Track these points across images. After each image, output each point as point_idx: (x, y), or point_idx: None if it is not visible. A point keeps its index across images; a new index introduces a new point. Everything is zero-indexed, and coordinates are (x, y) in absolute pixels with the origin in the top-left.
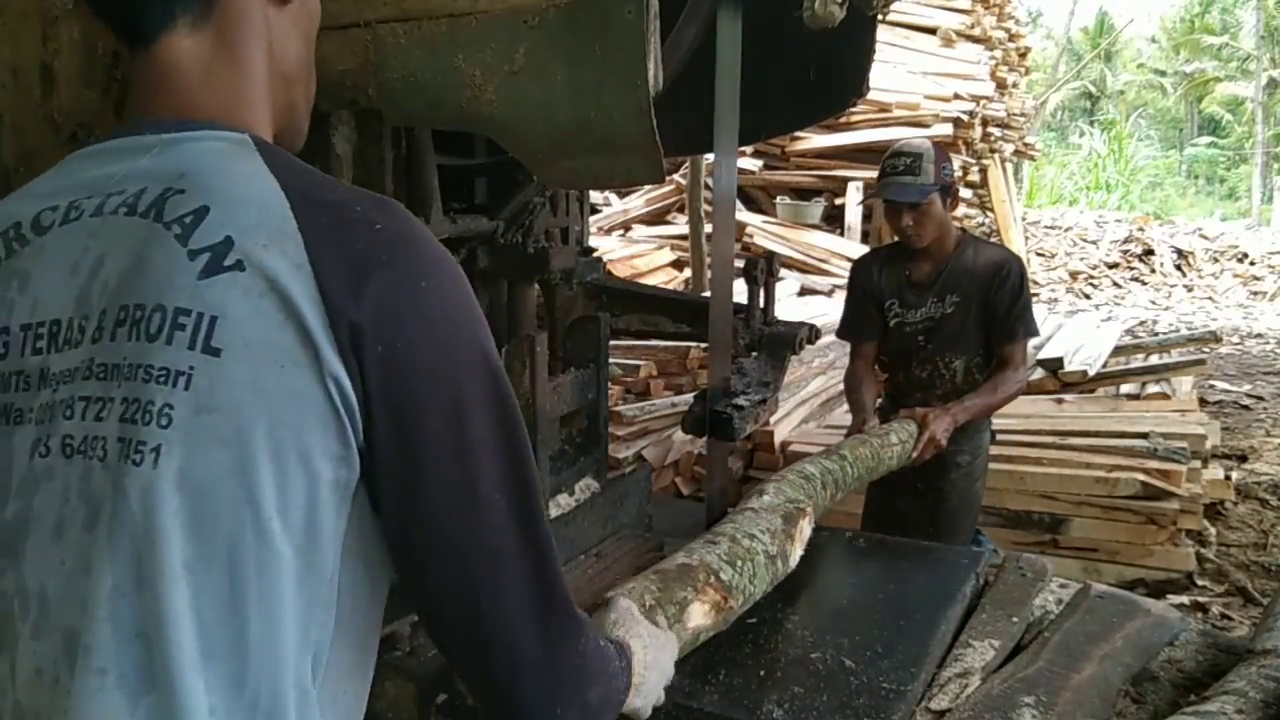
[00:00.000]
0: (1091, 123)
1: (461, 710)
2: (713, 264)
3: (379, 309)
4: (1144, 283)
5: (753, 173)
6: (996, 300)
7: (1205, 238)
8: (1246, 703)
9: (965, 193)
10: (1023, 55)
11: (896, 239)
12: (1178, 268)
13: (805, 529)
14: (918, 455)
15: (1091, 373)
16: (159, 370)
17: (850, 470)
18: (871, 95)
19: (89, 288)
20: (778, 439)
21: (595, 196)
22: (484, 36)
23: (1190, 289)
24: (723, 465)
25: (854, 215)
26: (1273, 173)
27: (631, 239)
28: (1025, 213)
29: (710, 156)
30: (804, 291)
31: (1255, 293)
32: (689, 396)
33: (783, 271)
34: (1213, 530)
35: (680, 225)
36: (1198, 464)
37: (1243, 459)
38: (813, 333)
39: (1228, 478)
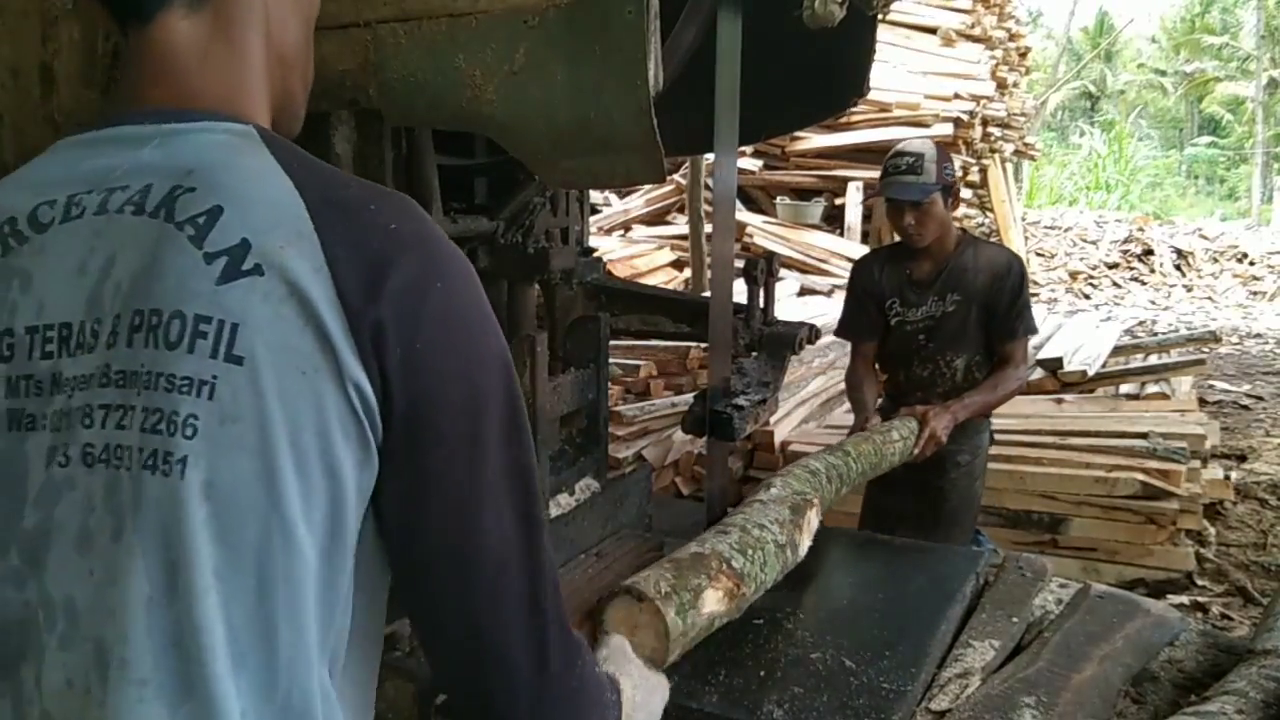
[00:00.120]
0: (1091, 123)
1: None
2: (713, 264)
3: (397, 311)
4: (1144, 283)
5: (753, 173)
6: (997, 299)
7: (1205, 238)
8: (1247, 703)
9: (965, 193)
10: (1023, 55)
11: (897, 239)
12: (1177, 268)
13: (813, 520)
14: (919, 452)
15: (1091, 373)
16: (182, 380)
17: (854, 466)
18: (871, 95)
19: (99, 290)
20: (778, 439)
21: (595, 196)
22: (484, 36)
23: (1190, 289)
24: (723, 465)
25: (854, 215)
26: (1273, 173)
27: (631, 239)
28: (1025, 213)
29: (710, 156)
30: (804, 291)
31: (1255, 293)
32: (689, 396)
33: (783, 271)
34: (1212, 530)
35: (680, 225)
36: (1197, 464)
37: (1242, 459)
38: (813, 333)
39: (1227, 478)
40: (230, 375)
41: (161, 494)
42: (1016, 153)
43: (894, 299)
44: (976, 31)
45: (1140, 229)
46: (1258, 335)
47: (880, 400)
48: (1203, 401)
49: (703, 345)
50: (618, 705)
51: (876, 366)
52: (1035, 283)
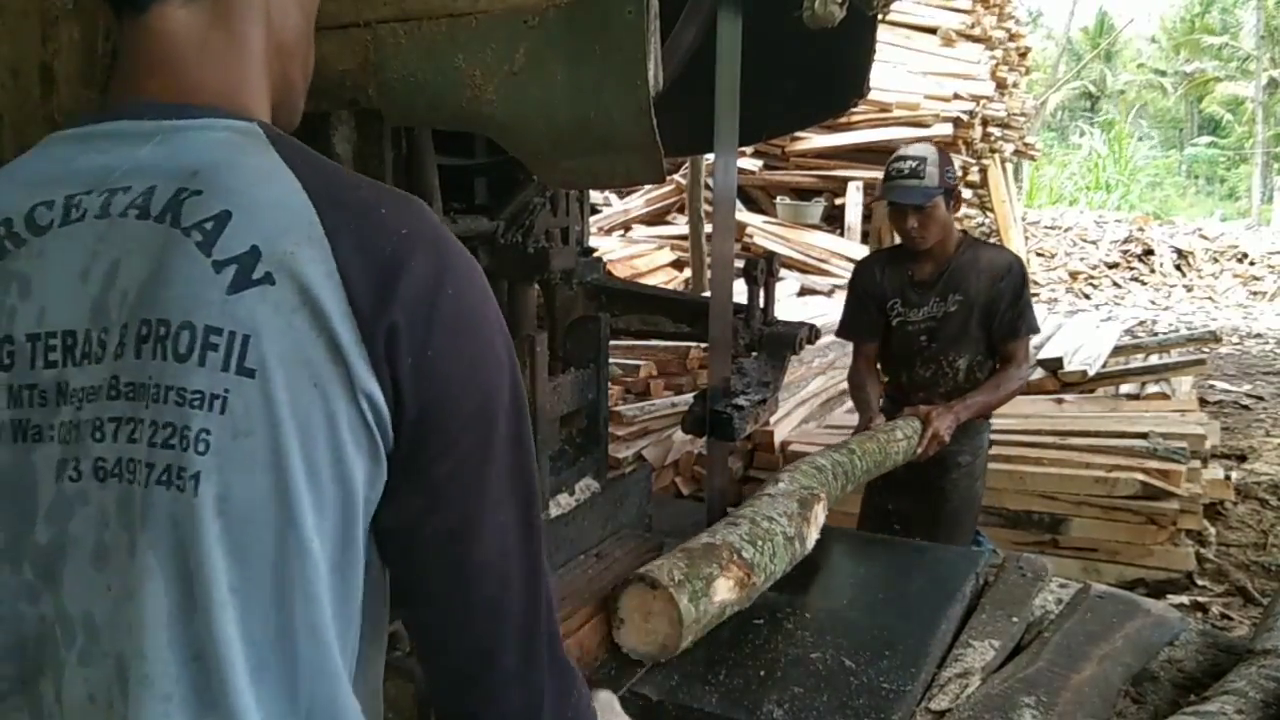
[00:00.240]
0: (1091, 123)
1: None
2: (713, 264)
3: (408, 318)
4: (1144, 283)
5: (753, 173)
6: (998, 300)
7: (1205, 238)
8: (1246, 703)
9: (965, 193)
10: (1023, 55)
11: (898, 240)
12: (1177, 268)
13: (819, 514)
14: (922, 451)
15: (1091, 373)
16: (193, 394)
17: (859, 464)
18: (871, 95)
19: (105, 298)
20: (778, 439)
21: (595, 196)
22: (484, 36)
23: (1190, 289)
24: (723, 465)
25: (854, 215)
26: (1273, 173)
27: (631, 239)
28: (1025, 213)
29: (710, 156)
30: (804, 291)
31: (1255, 293)
32: (689, 396)
33: (783, 271)
34: (1212, 530)
35: (680, 225)
36: (1197, 464)
37: (1242, 459)
38: (813, 333)
39: (1227, 478)
40: (242, 388)
41: (176, 509)
42: (1016, 153)
43: (895, 300)
44: (976, 31)
45: (1140, 229)
46: (1258, 335)
47: (881, 401)
48: (1203, 401)
49: (703, 345)
50: None
51: (878, 367)
52: (1035, 283)
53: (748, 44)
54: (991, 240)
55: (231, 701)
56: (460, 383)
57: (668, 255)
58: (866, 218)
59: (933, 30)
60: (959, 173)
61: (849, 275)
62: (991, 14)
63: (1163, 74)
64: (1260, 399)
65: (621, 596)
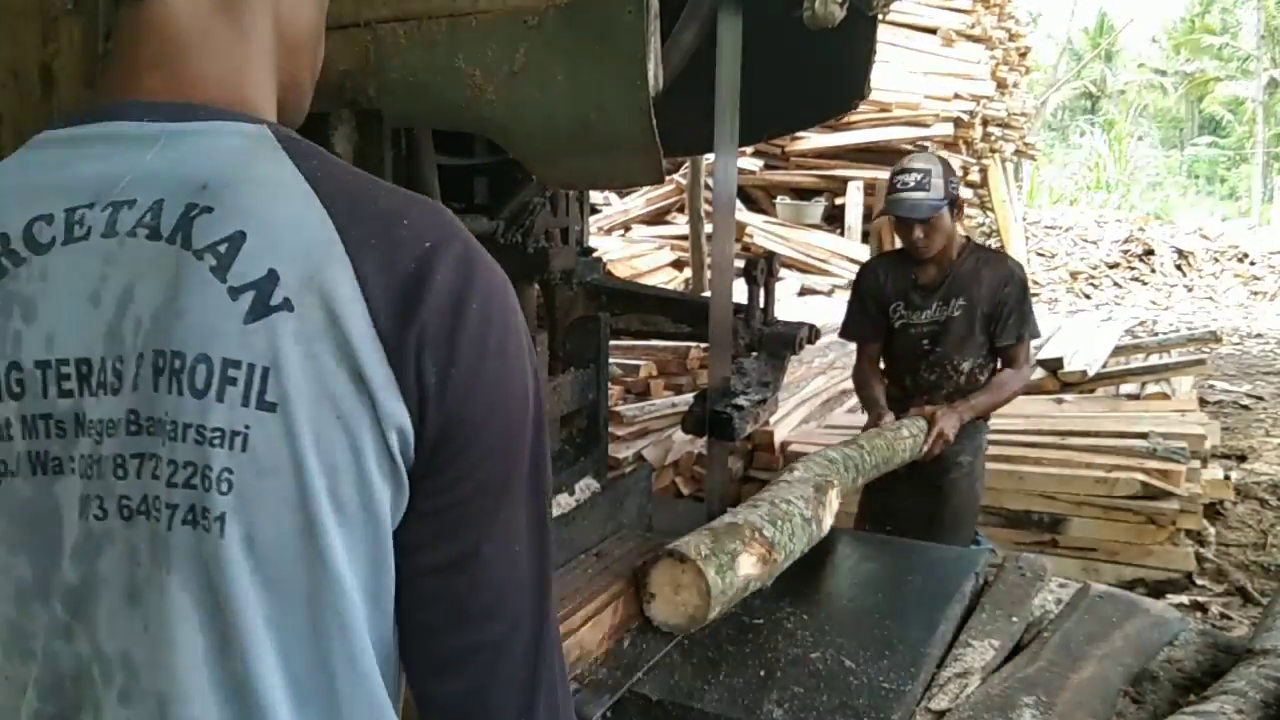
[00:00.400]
0: (1092, 123)
1: None
2: (713, 264)
3: (432, 335)
4: (1144, 283)
5: (753, 173)
6: (1000, 305)
7: (1206, 238)
8: (1246, 702)
9: (965, 192)
10: (1023, 55)
11: (900, 244)
12: (1178, 268)
13: (834, 500)
14: (928, 449)
15: (1091, 373)
16: (213, 431)
17: (868, 459)
18: (872, 95)
19: (119, 325)
20: (778, 439)
21: (595, 196)
22: (484, 36)
23: (1190, 289)
24: (723, 465)
25: (854, 215)
26: (1273, 173)
27: (631, 239)
28: (1025, 213)
29: (710, 156)
30: (804, 291)
31: (1255, 293)
32: (689, 396)
33: (783, 271)
34: (1212, 530)
35: (680, 225)
36: (1197, 464)
37: (1242, 459)
38: (813, 333)
39: (1227, 478)
40: (263, 424)
41: (203, 550)
42: (1017, 152)
43: (898, 303)
44: (976, 31)
45: (1141, 229)
46: (1258, 335)
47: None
48: (1203, 401)
49: (703, 345)
50: None
51: (881, 367)
52: (1036, 283)
53: (748, 44)
54: (992, 241)
55: None
56: (483, 403)
57: (668, 255)
58: (867, 217)
59: (933, 30)
60: (957, 169)
61: (849, 275)
62: (991, 14)
63: (1163, 74)
64: (1260, 399)
65: (652, 572)
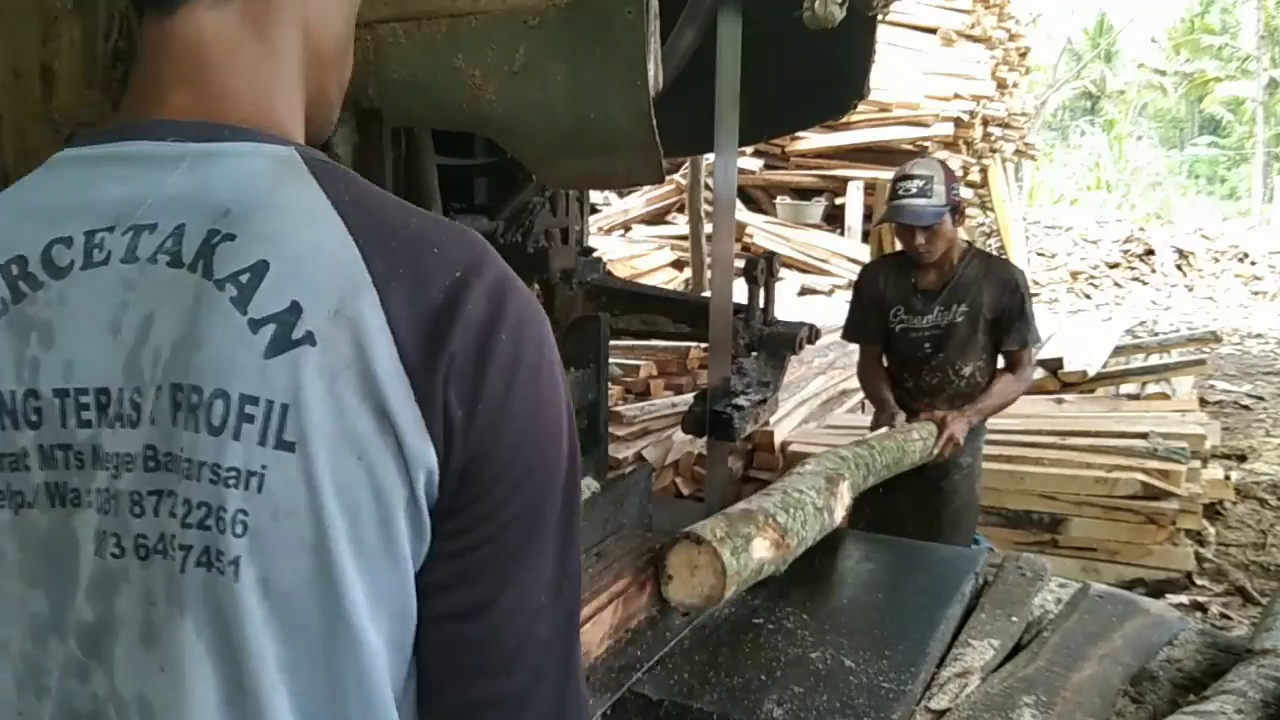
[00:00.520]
0: (1092, 123)
1: None
2: (713, 264)
3: (459, 369)
4: (1145, 283)
5: (753, 173)
6: (1002, 314)
7: (1206, 238)
8: (1246, 702)
9: (965, 192)
10: (1023, 55)
11: (900, 246)
12: (1178, 268)
13: (845, 493)
14: (938, 453)
15: (1091, 373)
16: (228, 471)
17: (878, 458)
18: (872, 95)
19: (138, 356)
20: (778, 439)
21: (595, 196)
22: (484, 36)
23: (1191, 289)
24: (723, 465)
25: (854, 215)
26: (1273, 173)
27: (631, 239)
28: (1025, 213)
29: (710, 156)
30: (804, 291)
31: (1256, 293)
32: (689, 396)
33: (783, 271)
34: (1212, 530)
35: (680, 225)
36: (1197, 464)
37: (1242, 459)
38: (813, 333)
39: (1227, 478)
40: (281, 464)
41: (218, 593)
42: (1017, 152)
43: (899, 307)
44: (976, 31)
45: (1141, 229)
46: (1259, 335)
47: None
48: (1203, 401)
49: (703, 345)
50: None
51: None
52: (1036, 283)
53: (748, 45)
54: (992, 240)
55: None
56: (511, 437)
57: (668, 255)
58: (867, 217)
59: (933, 30)
60: (957, 169)
61: (849, 275)
62: (991, 14)
63: (1163, 74)
64: (1260, 399)
65: (669, 554)
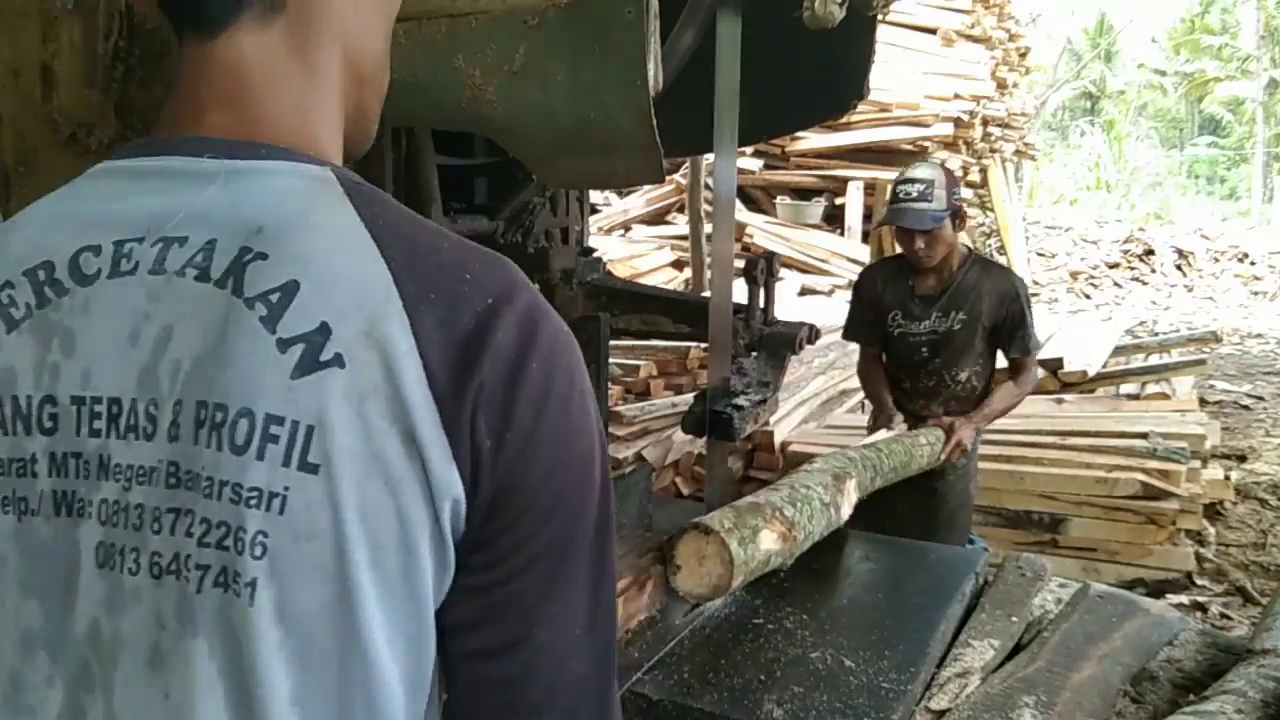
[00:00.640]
0: (1092, 123)
1: None
2: (713, 264)
3: (488, 398)
4: (1144, 283)
5: (753, 173)
6: (1003, 322)
7: (1206, 238)
8: (1246, 702)
9: (965, 192)
10: (1023, 55)
11: (900, 250)
12: (1178, 268)
13: (851, 490)
14: (946, 457)
15: (1091, 373)
16: (249, 491)
17: (885, 460)
18: (872, 95)
19: (154, 367)
20: (778, 439)
21: (595, 196)
22: (484, 36)
23: (1191, 289)
24: (723, 465)
25: (854, 215)
26: (1273, 173)
27: (631, 239)
28: (1025, 213)
29: (710, 156)
30: (804, 291)
31: (1256, 293)
32: (689, 396)
33: (783, 271)
34: (1212, 530)
35: (680, 225)
36: (1197, 464)
37: (1242, 459)
38: (813, 333)
39: (1227, 478)
40: (304, 486)
41: (232, 616)
42: (1017, 153)
43: (896, 312)
44: (976, 31)
45: (1141, 229)
46: (1258, 335)
47: None
48: (1203, 401)
49: (703, 345)
50: None
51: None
52: (1036, 283)
53: (747, 45)
54: (992, 241)
55: None
56: (540, 467)
57: (668, 255)
58: (867, 217)
59: (933, 30)
60: (957, 169)
61: (849, 275)
62: (991, 14)
63: (1163, 74)
64: (1260, 399)
65: (678, 544)
